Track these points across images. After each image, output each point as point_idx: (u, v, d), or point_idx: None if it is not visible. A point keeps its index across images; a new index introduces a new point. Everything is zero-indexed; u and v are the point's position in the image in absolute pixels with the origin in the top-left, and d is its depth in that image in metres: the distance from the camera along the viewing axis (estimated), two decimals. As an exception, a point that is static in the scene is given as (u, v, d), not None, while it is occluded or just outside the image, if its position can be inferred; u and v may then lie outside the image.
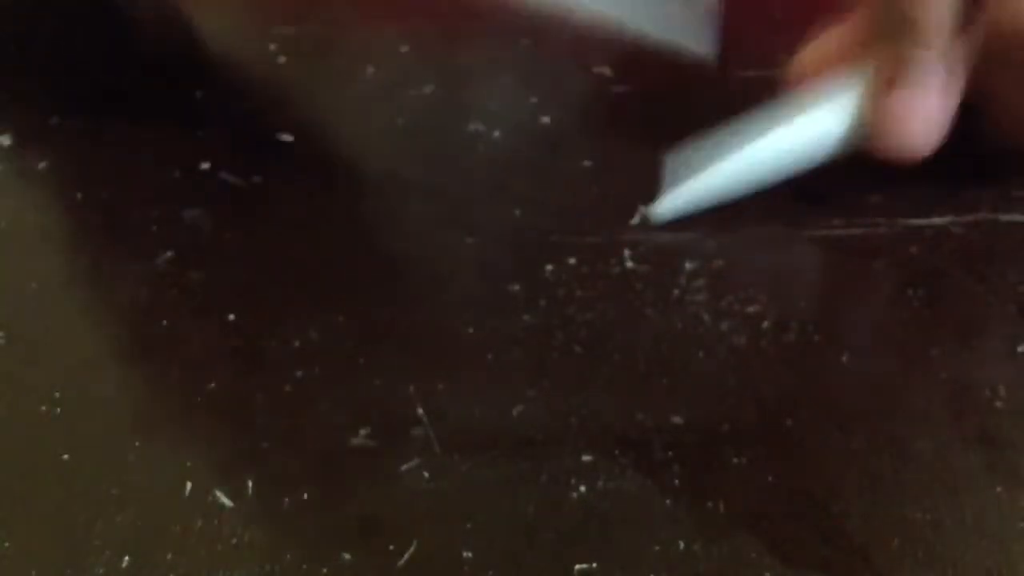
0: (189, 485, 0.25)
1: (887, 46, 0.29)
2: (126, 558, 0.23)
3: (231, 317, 0.29)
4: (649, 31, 0.27)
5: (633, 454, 0.26)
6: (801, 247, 0.31)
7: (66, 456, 0.25)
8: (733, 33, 0.40)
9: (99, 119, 0.33)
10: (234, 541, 0.24)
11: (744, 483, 0.25)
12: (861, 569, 0.23)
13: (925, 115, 0.30)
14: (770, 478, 0.25)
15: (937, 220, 0.32)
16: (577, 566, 0.23)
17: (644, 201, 0.32)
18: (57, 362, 0.28)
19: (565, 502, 0.25)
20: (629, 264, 0.31)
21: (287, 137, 0.35)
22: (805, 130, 0.31)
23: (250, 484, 0.25)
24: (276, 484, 0.25)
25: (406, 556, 0.23)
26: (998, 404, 0.27)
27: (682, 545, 0.24)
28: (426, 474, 0.25)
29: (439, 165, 0.34)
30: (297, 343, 0.28)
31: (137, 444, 0.26)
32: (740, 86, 0.37)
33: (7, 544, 0.24)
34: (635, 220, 0.32)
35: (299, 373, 0.27)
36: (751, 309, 0.29)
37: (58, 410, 0.26)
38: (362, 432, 0.26)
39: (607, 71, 0.38)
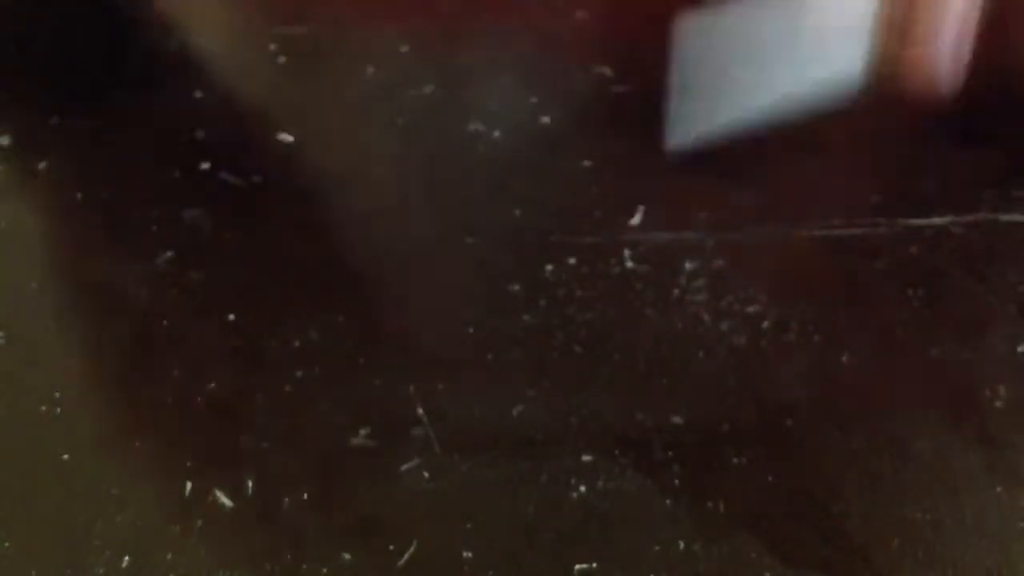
0: (189, 485, 0.25)
1: None
2: (126, 558, 0.23)
3: (231, 317, 0.29)
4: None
5: (633, 454, 0.26)
6: (801, 247, 0.31)
7: (66, 456, 0.25)
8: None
9: (99, 119, 0.33)
10: (234, 541, 0.24)
11: (744, 483, 0.25)
12: (861, 569, 0.23)
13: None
14: (770, 478, 0.25)
15: (937, 220, 0.32)
16: (577, 566, 0.23)
17: (644, 201, 0.32)
18: (57, 362, 0.28)
19: (565, 502, 0.25)
20: (629, 264, 0.31)
21: (287, 137, 0.35)
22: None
23: (250, 484, 0.25)
24: (276, 484, 0.25)
25: (406, 556, 0.23)
26: (998, 404, 0.27)
27: (682, 545, 0.24)
28: (426, 474, 0.25)
29: (439, 165, 0.34)
30: (297, 343, 0.28)
31: (137, 444, 0.26)
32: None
33: (7, 544, 0.24)
34: (635, 220, 0.32)
35: (299, 373, 0.27)
36: (751, 309, 0.29)
37: (58, 410, 0.26)
38: (362, 432, 0.26)
39: (607, 71, 0.38)
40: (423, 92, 0.37)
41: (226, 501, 0.24)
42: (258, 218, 0.32)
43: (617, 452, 0.26)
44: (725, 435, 0.26)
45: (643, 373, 0.28)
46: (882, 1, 0.29)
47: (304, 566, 0.23)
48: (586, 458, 0.26)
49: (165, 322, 0.29)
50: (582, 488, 0.25)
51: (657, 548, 0.24)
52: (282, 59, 0.39)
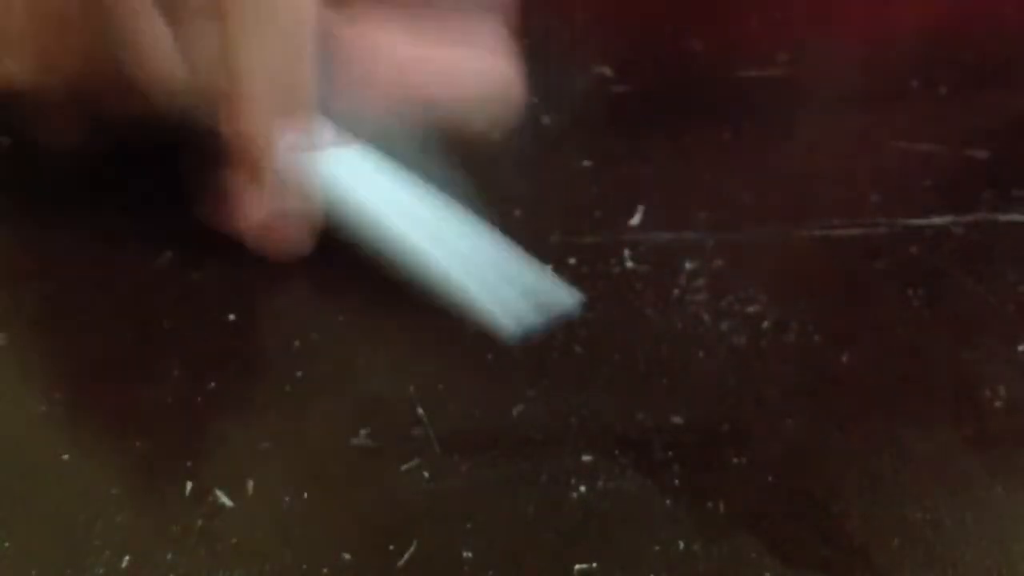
0: (189, 485, 0.25)
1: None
2: (126, 558, 0.23)
3: (231, 317, 0.29)
4: (471, 296, 0.28)
5: (633, 454, 0.26)
6: (801, 247, 0.31)
7: (66, 456, 0.25)
8: (733, 33, 0.40)
9: (99, 119, 0.33)
10: (234, 541, 0.24)
11: (744, 483, 0.25)
12: (861, 569, 0.23)
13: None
14: (770, 478, 0.25)
15: (937, 220, 0.32)
16: (577, 566, 0.23)
17: (644, 201, 0.32)
18: (57, 362, 0.28)
19: (565, 502, 0.25)
20: (629, 264, 0.31)
21: (287, 137, 0.35)
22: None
23: (250, 484, 0.25)
24: (276, 484, 0.25)
25: (406, 556, 0.23)
26: (998, 404, 0.27)
27: (682, 545, 0.24)
28: (426, 474, 0.25)
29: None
30: (297, 343, 0.28)
31: (137, 444, 0.26)
32: (740, 86, 0.38)
33: (7, 544, 0.24)
34: (635, 220, 0.32)
35: (299, 373, 0.27)
36: (751, 309, 0.29)
37: (58, 410, 0.26)
38: (362, 432, 0.26)
39: (607, 71, 0.38)
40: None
41: (226, 501, 0.24)
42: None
43: (617, 452, 0.26)
44: (725, 435, 0.26)
45: (643, 373, 0.28)
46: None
47: (304, 566, 0.23)
48: (586, 458, 0.26)
49: (165, 322, 0.29)
50: (582, 488, 0.25)
51: (657, 548, 0.24)
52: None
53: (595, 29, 0.40)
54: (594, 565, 0.23)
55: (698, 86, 0.37)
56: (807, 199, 0.33)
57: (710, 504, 0.25)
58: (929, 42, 0.41)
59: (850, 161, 0.34)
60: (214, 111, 0.27)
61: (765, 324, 0.29)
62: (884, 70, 0.39)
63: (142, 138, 0.33)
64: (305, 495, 0.25)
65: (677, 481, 0.25)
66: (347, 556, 0.24)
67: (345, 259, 0.31)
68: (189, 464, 0.25)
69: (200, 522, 0.24)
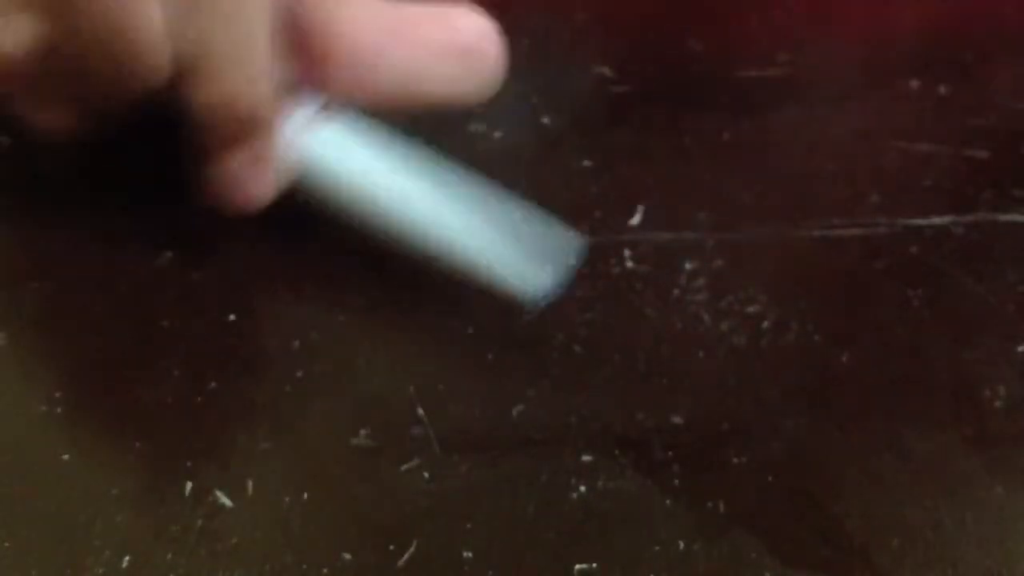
0: (189, 485, 0.25)
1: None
2: (126, 558, 0.23)
3: (231, 317, 0.29)
4: (482, 267, 0.28)
5: (633, 454, 0.26)
6: (801, 247, 0.31)
7: (66, 456, 0.25)
8: (733, 33, 0.40)
9: (99, 119, 0.33)
10: (234, 541, 0.24)
11: (744, 483, 0.25)
12: (861, 569, 0.23)
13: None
14: (770, 478, 0.25)
15: (937, 220, 0.32)
16: (577, 566, 0.23)
17: (644, 201, 0.32)
18: (57, 362, 0.28)
19: (565, 502, 0.25)
20: (629, 264, 0.31)
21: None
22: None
23: (250, 484, 0.25)
24: (276, 484, 0.25)
25: (406, 556, 0.23)
26: (998, 404, 0.27)
27: (682, 545, 0.24)
28: (426, 474, 0.25)
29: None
30: (297, 343, 0.28)
31: (137, 444, 0.26)
32: (740, 86, 0.38)
33: (7, 544, 0.24)
34: (635, 220, 0.32)
35: (299, 373, 0.27)
36: (751, 309, 0.29)
37: (58, 410, 0.26)
38: (362, 432, 0.26)
39: (607, 71, 0.38)
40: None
41: (226, 501, 0.24)
42: (258, 218, 0.32)
43: (617, 452, 0.26)
44: (725, 435, 0.26)
45: (643, 373, 0.28)
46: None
47: (304, 566, 0.23)
48: (586, 458, 0.26)
49: (165, 322, 0.29)
50: (582, 488, 0.25)
51: (657, 548, 0.24)
52: (282, 59, 0.39)
53: (595, 29, 0.40)
54: (594, 565, 0.23)
55: (698, 86, 0.37)
56: (807, 199, 0.33)
57: (710, 504, 0.25)
58: (929, 42, 0.41)
59: (850, 161, 0.33)
60: (197, 86, 0.27)
61: (765, 324, 0.29)
62: (884, 70, 0.39)
63: (141, 135, 0.33)
64: (305, 495, 0.25)
65: (677, 481, 0.25)
66: (347, 556, 0.24)
67: (345, 259, 0.31)
68: (189, 464, 0.25)
69: (200, 522, 0.24)
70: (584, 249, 0.30)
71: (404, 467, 0.25)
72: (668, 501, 0.25)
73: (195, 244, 0.31)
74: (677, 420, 0.26)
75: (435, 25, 0.30)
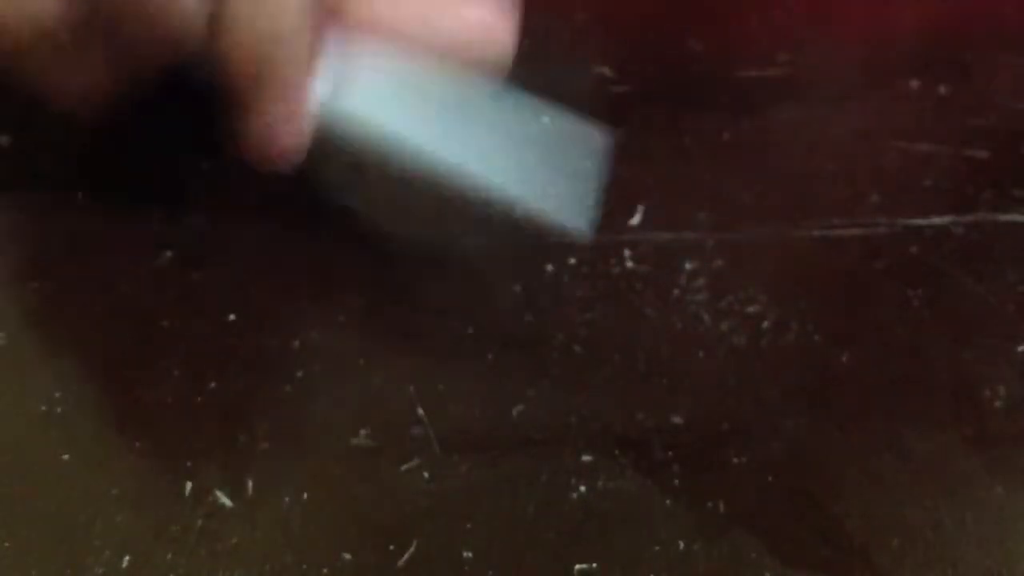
0: (189, 485, 0.25)
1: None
2: (126, 558, 0.23)
3: (231, 317, 0.29)
4: (525, 200, 0.28)
5: (633, 454, 0.26)
6: (801, 247, 0.31)
7: (66, 456, 0.25)
8: (733, 33, 0.40)
9: (99, 119, 0.33)
10: (234, 541, 0.24)
11: (744, 483, 0.25)
12: (861, 569, 0.23)
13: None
14: (770, 478, 0.25)
15: (937, 220, 0.32)
16: (577, 566, 0.23)
17: (644, 201, 0.32)
18: (57, 362, 0.28)
19: (565, 502, 0.25)
20: (629, 264, 0.31)
21: (287, 137, 0.35)
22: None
23: (250, 484, 0.25)
24: (276, 484, 0.25)
25: (406, 556, 0.23)
26: (998, 404, 0.27)
27: (682, 545, 0.24)
28: (426, 474, 0.25)
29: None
30: (297, 343, 0.28)
31: (137, 444, 0.26)
32: (740, 86, 0.38)
33: (7, 544, 0.24)
34: (635, 220, 0.32)
35: (299, 373, 0.27)
36: (751, 309, 0.29)
37: (58, 410, 0.26)
38: (362, 432, 0.26)
39: (607, 71, 0.38)
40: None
41: (226, 501, 0.24)
42: (258, 218, 0.32)
43: (617, 452, 0.26)
44: (725, 435, 0.26)
45: (643, 373, 0.28)
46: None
47: (304, 566, 0.23)
48: (586, 458, 0.26)
49: (165, 322, 0.29)
50: (582, 488, 0.25)
51: (657, 548, 0.24)
52: (282, 59, 0.39)
53: (595, 29, 0.40)
54: (594, 565, 0.23)
55: (698, 86, 0.37)
56: (807, 199, 0.33)
57: (710, 504, 0.25)
58: (929, 42, 0.41)
59: (850, 161, 0.33)
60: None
61: (765, 324, 0.29)
62: (884, 70, 0.39)
63: (141, 135, 0.33)
64: (305, 495, 0.25)
65: (677, 481, 0.25)
66: (347, 556, 0.24)
67: (345, 259, 0.31)
68: (189, 464, 0.25)
69: (200, 522, 0.24)
70: (584, 249, 0.30)
71: (404, 467, 0.25)
72: (668, 501, 0.25)
73: (195, 244, 0.31)
74: (677, 420, 0.26)
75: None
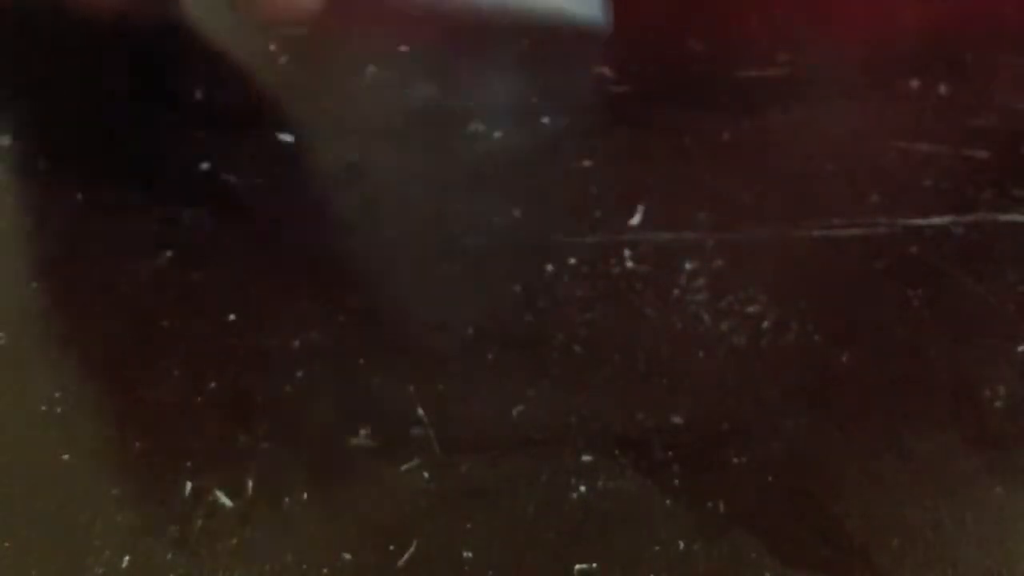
0: (189, 485, 0.25)
1: None
2: (126, 558, 0.23)
3: (231, 317, 0.29)
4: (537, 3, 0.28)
5: (633, 454, 0.26)
6: (801, 247, 0.31)
7: (66, 456, 0.25)
8: (733, 33, 0.40)
9: (99, 119, 0.33)
10: (234, 541, 0.24)
11: (744, 483, 0.25)
12: (861, 569, 0.23)
13: None
14: (770, 478, 0.25)
15: (937, 220, 0.32)
16: (577, 566, 0.23)
17: (644, 201, 0.32)
18: (57, 362, 0.28)
19: (565, 502, 0.25)
20: (629, 264, 0.31)
21: (287, 137, 0.35)
22: None
23: (250, 484, 0.25)
24: (276, 484, 0.25)
25: (406, 556, 0.23)
26: (998, 404, 0.27)
27: (682, 545, 0.24)
28: (426, 474, 0.25)
29: (439, 165, 0.34)
30: (297, 343, 0.28)
31: (137, 444, 0.26)
32: (740, 86, 0.38)
33: (7, 544, 0.24)
34: (635, 220, 0.32)
35: (299, 373, 0.27)
36: (751, 309, 0.29)
37: (58, 410, 0.26)
38: (362, 432, 0.26)
39: (607, 71, 0.38)
40: (423, 92, 0.37)
41: (226, 501, 0.24)
42: (258, 218, 0.32)
43: (617, 452, 0.26)
44: (725, 435, 0.26)
45: (643, 373, 0.28)
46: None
47: (304, 566, 0.23)
48: (586, 458, 0.26)
49: (165, 322, 0.29)
50: (582, 488, 0.25)
51: (657, 548, 0.24)
52: (282, 59, 0.39)
53: (595, 29, 0.40)
54: (594, 565, 0.23)
55: (698, 86, 0.37)
56: (807, 199, 0.33)
57: (710, 504, 0.25)
58: (929, 42, 0.41)
59: (850, 161, 0.33)
60: None
61: (765, 324, 0.29)
62: (884, 70, 0.39)
63: (141, 134, 0.33)
64: (305, 495, 0.25)
65: (677, 481, 0.25)
66: (347, 556, 0.24)
67: (345, 259, 0.31)
68: (189, 464, 0.25)
69: (200, 522, 0.24)
70: (584, 249, 0.30)
71: (404, 467, 0.25)
72: (668, 501, 0.25)
73: (195, 244, 0.31)
74: (677, 420, 0.26)
75: None
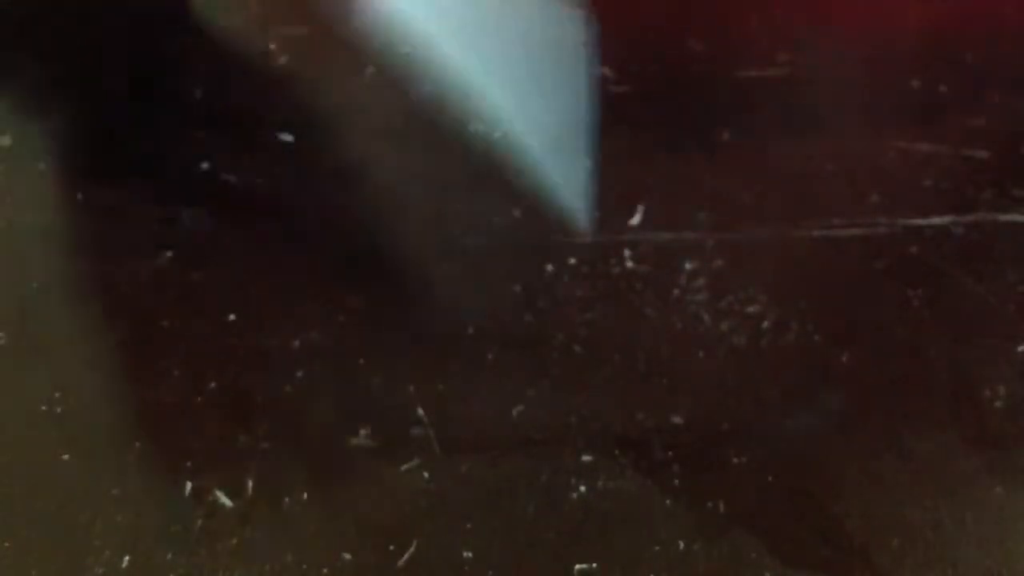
0: (189, 485, 0.25)
1: None
2: (126, 558, 0.23)
3: (231, 317, 0.29)
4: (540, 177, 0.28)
5: (633, 454, 0.26)
6: (801, 247, 0.31)
7: (66, 456, 0.25)
8: (733, 33, 0.40)
9: (99, 120, 0.33)
10: (234, 541, 0.24)
11: (744, 483, 0.25)
12: (861, 569, 0.23)
13: None
14: (770, 478, 0.25)
15: (937, 220, 0.32)
16: (577, 566, 0.23)
17: (644, 201, 0.32)
18: (57, 362, 0.28)
19: (565, 502, 0.25)
20: (629, 264, 0.31)
21: (287, 137, 0.35)
22: None
23: (250, 484, 0.25)
24: (276, 484, 0.25)
25: (406, 556, 0.24)
26: (998, 404, 0.27)
27: (682, 545, 0.24)
28: (426, 474, 0.25)
29: (439, 165, 0.34)
30: (297, 343, 0.28)
31: (137, 444, 0.26)
32: (740, 86, 0.38)
33: (7, 544, 0.24)
34: (635, 220, 0.32)
35: (299, 373, 0.27)
36: (751, 309, 0.29)
37: (58, 410, 0.26)
38: (362, 432, 0.26)
39: (607, 71, 0.38)
40: (423, 92, 0.37)
41: (226, 501, 0.24)
42: (258, 218, 0.32)
43: (617, 452, 0.26)
44: (725, 435, 0.26)
45: (643, 373, 0.28)
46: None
47: (304, 566, 0.23)
48: (586, 458, 0.26)
49: (165, 322, 0.29)
50: (582, 488, 0.25)
51: (657, 548, 0.24)
52: (282, 59, 0.39)
53: (595, 29, 0.40)
54: (594, 565, 0.23)
55: (698, 86, 0.37)
56: (807, 199, 0.33)
57: (710, 504, 0.25)
58: (929, 42, 0.41)
59: (850, 161, 0.33)
60: None
61: (765, 324, 0.29)
62: (884, 70, 0.39)
63: (141, 134, 0.33)
64: (305, 495, 0.25)
65: (677, 481, 0.25)
66: (347, 556, 0.24)
67: (345, 259, 0.31)
68: (189, 464, 0.25)
69: (200, 522, 0.24)
70: (584, 249, 0.30)
71: (404, 467, 0.25)
72: (668, 501, 0.25)
73: (195, 244, 0.31)
74: (677, 420, 0.26)
75: None
